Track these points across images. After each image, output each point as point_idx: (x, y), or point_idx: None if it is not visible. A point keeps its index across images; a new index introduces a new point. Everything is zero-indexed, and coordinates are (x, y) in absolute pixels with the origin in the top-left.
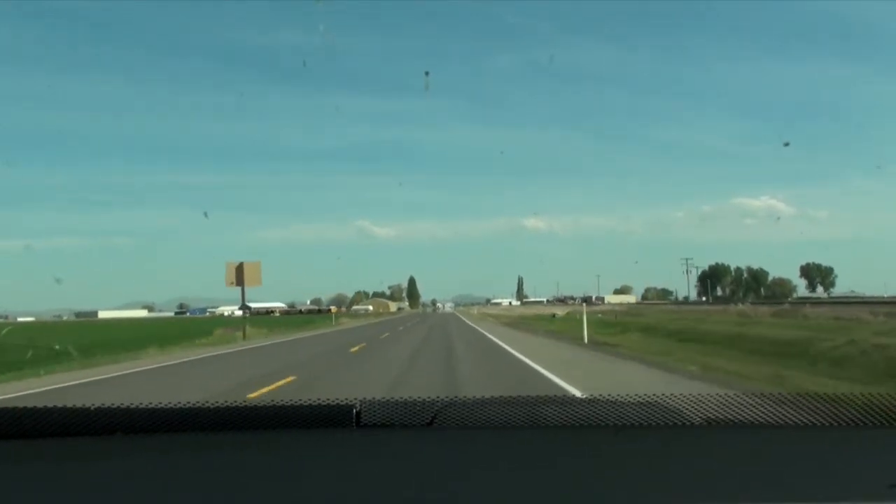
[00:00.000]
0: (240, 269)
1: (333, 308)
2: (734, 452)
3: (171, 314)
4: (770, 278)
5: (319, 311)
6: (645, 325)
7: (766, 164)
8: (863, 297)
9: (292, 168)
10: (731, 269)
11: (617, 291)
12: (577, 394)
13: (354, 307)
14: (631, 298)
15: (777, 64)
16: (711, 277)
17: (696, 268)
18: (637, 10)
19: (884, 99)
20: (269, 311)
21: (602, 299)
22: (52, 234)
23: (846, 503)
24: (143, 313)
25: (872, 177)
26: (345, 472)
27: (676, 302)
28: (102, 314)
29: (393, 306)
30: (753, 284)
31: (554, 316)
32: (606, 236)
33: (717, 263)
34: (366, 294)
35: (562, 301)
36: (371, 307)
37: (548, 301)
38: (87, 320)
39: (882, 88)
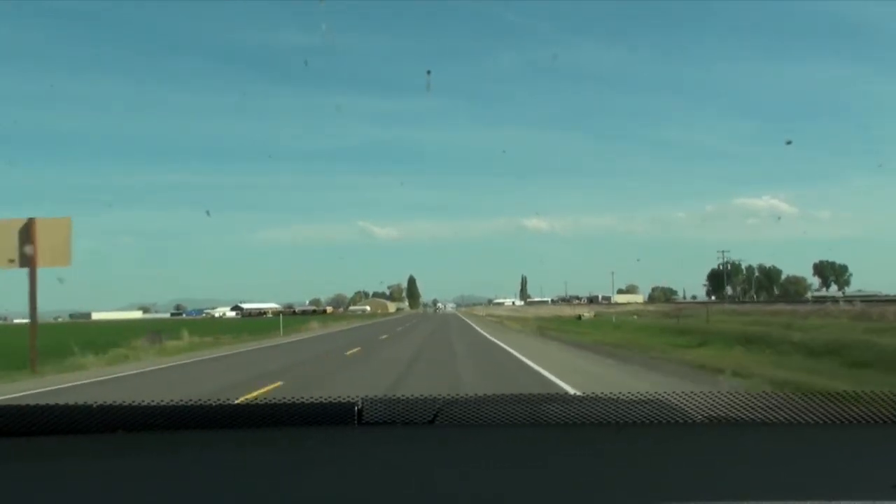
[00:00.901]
0: (27, 233)
1: (329, 308)
2: (736, 451)
3: (168, 315)
4: (783, 277)
5: (315, 311)
6: (742, 336)
7: (768, 163)
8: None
9: (293, 168)
10: (743, 267)
11: (621, 291)
12: None
13: (351, 308)
14: (639, 298)
15: (778, 64)
16: (722, 276)
17: (729, 264)
18: (638, 10)
19: (884, 98)
20: (261, 313)
21: (609, 299)
22: None
23: (849, 502)
24: (138, 314)
25: (875, 175)
26: (346, 470)
27: (728, 301)
28: (96, 315)
29: (392, 307)
30: (766, 283)
31: (580, 318)
32: (607, 236)
33: (729, 261)
34: (365, 294)
35: (567, 301)
36: (368, 308)
37: (553, 301)
38: (79, 322)
39: (883, 88)
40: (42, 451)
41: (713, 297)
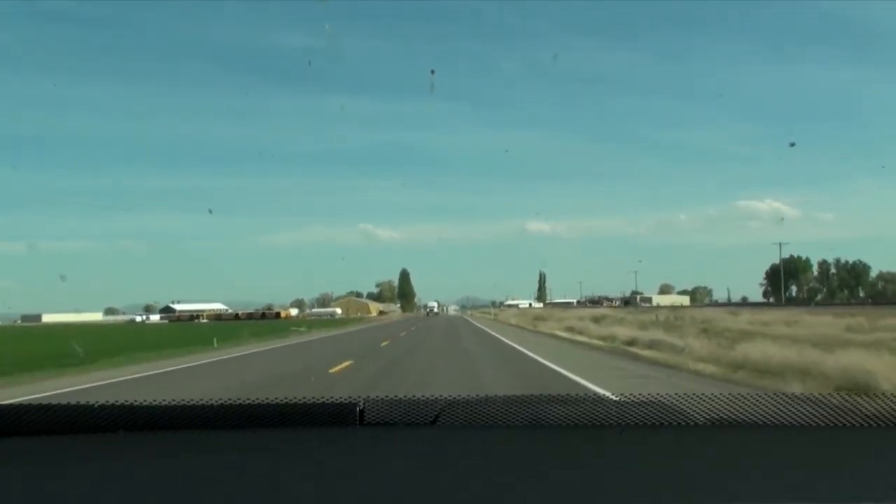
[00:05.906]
0: None
1: (284, 312)
2: (738, 452)
3: (135, 317)
4: (873, 273)
5: (264, 315)
6: None
7: (772, 166)
8: None
9: (294, 170)
10: (813, 262)
11: (638, 292)
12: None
13: (314, 310)
14: (685, 299)
15: (781, 66)
16: (785, 273)
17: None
18: (643, 11)
19: (889, 100)
20: (194, 316)
21: (649, 300)
22: (53, 236)
23: None
24: (97, 316)
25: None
26: (348, 471)
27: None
28: (46, 318)
29: (374, 309)
30: (851, 281)
31: None
32: (616, 238)
33: (791, 256)
34: (359, 294)
35: (595, 302)
36: (338, 310)
37: (579, 302)
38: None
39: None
40: (43, 451)
41: (771, 299)
